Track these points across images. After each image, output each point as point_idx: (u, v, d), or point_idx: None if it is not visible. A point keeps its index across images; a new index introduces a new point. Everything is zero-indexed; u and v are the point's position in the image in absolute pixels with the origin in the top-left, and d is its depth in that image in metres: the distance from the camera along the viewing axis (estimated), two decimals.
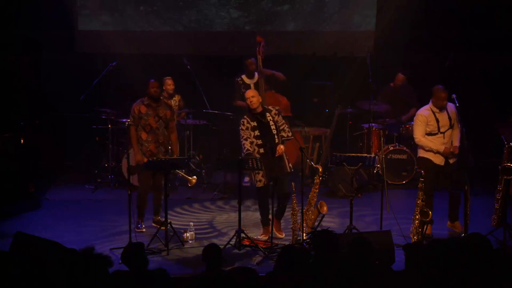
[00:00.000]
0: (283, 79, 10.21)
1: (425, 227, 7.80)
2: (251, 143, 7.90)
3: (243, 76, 10.38)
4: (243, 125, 7.96)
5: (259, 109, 7.98)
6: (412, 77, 10.99)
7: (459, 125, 8.08)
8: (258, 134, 7.92)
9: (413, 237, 7.80)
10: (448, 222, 8.30)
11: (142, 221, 8.44)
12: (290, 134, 8.03)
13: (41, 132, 10.77)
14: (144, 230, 8.37)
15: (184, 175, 8.73)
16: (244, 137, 7.95)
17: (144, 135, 8.35)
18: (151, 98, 8.39)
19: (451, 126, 8.05)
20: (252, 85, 10.31)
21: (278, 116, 8.03)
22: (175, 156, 8.39)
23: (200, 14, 11.85)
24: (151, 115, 8.33)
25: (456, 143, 8.07)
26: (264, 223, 8.19)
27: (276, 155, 7.87)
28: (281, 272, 5.22)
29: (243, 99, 10.26)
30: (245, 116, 8.05)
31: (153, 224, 8.43)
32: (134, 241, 7.41)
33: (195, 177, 8.88)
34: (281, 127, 7.98)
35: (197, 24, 11.89)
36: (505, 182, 7.93)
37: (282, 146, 7.91)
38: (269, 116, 7.97)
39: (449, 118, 8.04)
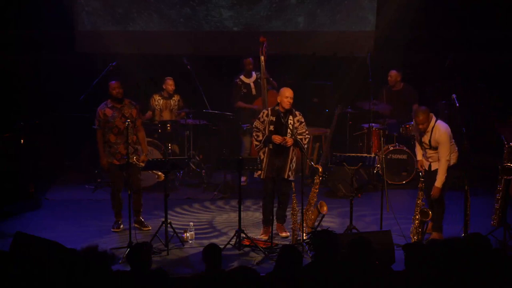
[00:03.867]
0: (275, 86, 10.23)
1: (425, 226, 7.81)
2: (263, 135, 7.94)
3: (242, 77, 10.43)
4: (261, 116, 8.03)
5: (287, 108, 7.98)
6: (412, 77, 10.99)
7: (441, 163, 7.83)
8: (272, 130, 7.93)
9: (413, 237, 7.80)
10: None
11: (120, 221, 8.46)
12: (305, 145, 7.96)
13: (41, 132, 10.75)
14: (119, 230, 8.38)
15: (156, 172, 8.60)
16: (256, 128, 8.00)
17: (112, 138, 8.31)
18: (114, 100, 8.36)
19: (431, 147, 7.89)
20: (251, 84, 10.37)
21: (300, 124, 7.99)
22: (144, 155, 8.38)
23: (200, 14, 11.85)
24: (117, 117, 8.28)
25: (437, 184, 7.84)
26: (265, 222, 8.19)
27: (278, 142, 7.84)
28: (281, 272, 5.22)
29: (244, 99, 10.35)
30: (268, 108, 8.14)
31: (135, 225, 8.37)
32: (134, 240, 7.44)
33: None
34: (299, 137, 7.92)
35: (197, 24, 11.89)
36: (505, 182, 7.93)
37: (290, 140, 7.87)
38: (290, 119, 7.95)
39: (430, 141, 7.86)
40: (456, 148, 7.99)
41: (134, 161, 8.23)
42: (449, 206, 8.32)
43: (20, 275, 5.09)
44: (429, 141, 7.86)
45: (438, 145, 7.81)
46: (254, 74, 10.37)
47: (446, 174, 7.80)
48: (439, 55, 11.26)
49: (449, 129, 7.85)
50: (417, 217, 7.78)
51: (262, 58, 9.90)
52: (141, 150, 8.50)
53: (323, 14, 11.85)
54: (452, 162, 7.91)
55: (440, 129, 7.79)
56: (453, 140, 7.96)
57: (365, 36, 11.80)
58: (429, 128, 7.83)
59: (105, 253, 5.15)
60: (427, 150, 7.97)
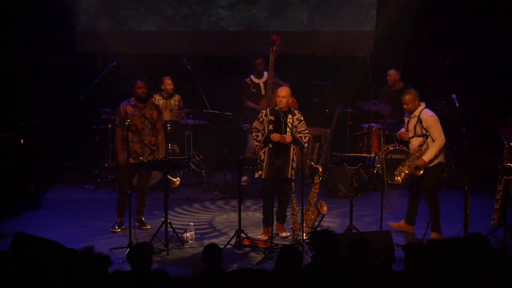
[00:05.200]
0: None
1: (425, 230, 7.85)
2: (263, 135, 7.95)
3: (252, 77, 10.44)
4: (260, 116, 8.06)
5: (284, 109, 7.99)
6: (412, 77, 10.99)
7: (433, 140, 7.90)
8: (271, 129, 7.94)
9: (397, 177, 8.05)
10: (403, 223, 8.29)
11: (120, 221, 8.43)
12: (305, 144, 7.98)
13: (41, 132, 10.75)
14: (118, 230, 8.36)
15: (169, 176, 8.64)
16: (256, 129, 8.03)
17: (129, 136, 8.32)
18: (137, 99, 8.39)
19: (415, 135, 8.00)
20: (261, 84, 10.36)
21: (300, 122, 8.01)
22: (161, 157, 8.37)
23: (200, 14, 11.86)
24: (136, 116, 8.29)
25: (425, 157, 7.92)
26: (265, 222, 8.19)
27: (277, 139, 7.85)
28: (281, 272, 5.22)
29: (253, 99, 10.35)
30: (267, 108, 8.17)
31: (136, 223, 8.37)
32: (134, 240, 7.44)
33: (178, 178, 8.74)
34: (299, 135, 7.95)
35: (197, 24, 11.89)
36: (505, 182, 7.93)
37: (289, 137, 7.88)
38: (290, 118, 7.96)
39: (415, 127, 8.00)
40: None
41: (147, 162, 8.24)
42: (449, 206, 8.33)
43: (20, 275, 5.09)
44: (415, 126, 7.95)
45: (428, 130, 7.90)
46: (265, 74, 10.35)
47: (436, 154, 7.86)
48: (439, 55, 11.26)
49: (436, 116, 7.98)
50: (407, 163, 7.98)
51: (272, 57, 9.90)
52: (158, 152, 8.47)
53: (323, 14, 11.85)
54: (439, 160, 7.95)
55: (427, 113, 7.94)
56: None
57: (365, 36, 11.81)
58: (416, 113, 7.97)
59: (101, 255, 5.15)
60: (412, 140, 8.04)
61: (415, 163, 7.89)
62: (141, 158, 8.27)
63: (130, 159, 8.20)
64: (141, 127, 8.30)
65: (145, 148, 8.35)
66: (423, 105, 8.01)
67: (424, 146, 7.89)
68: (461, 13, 11.37)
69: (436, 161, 7.93)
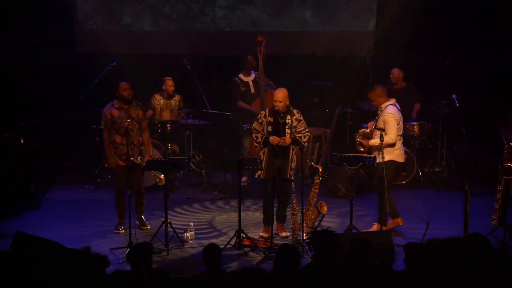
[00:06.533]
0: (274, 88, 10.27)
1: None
2: (262, 136, 7.94)
3: (240, 75, 10.44)
4: (260, 117, 8.06)
5: (283, 110, 7.98)
6: (412, 77, 10.99)
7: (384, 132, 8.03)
8: (270, 130, 7.94)
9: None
10: (391, 221, 8.32)
11: (122, 222, 8.43)
12: (305, 143, 7.98)
13: (41, 132, 10.75)
14: (122, 231, 8.37)
15: (153, 173, 8.68)
16: (255, 130, 8.02)
17: (118, 138, 8.30)
18: (122, 101, 8.36)
19: (376, 128, 8.15)
20: (250, 82, 10.37)
21: (299, 122, 8.01)
22: (148, 156, 8.37)
23: (200, 14, 11.85)
24: (124, 118, 8.25)
25: (371, 141, 8.13)
26: (265, 222, 8.19)
27: (275, 143, 7.84)
28: (280, 272, 5.22)
29: (243, 98, 10.35)
30: (266, 109, 8.17)
31: (137, 222, 8.40)
32: (134, 240, 7.44)
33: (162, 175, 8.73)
34: (298, 135, 7.95)
35: (197, 24, 11.89)
36: (505, 182, 7.93)
37: (288, 139, 7.88)
38: (289, 119, 7.96)
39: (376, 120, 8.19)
40: (401, 144, 8.15)
41: (138, 162, 8.24)
42: (449, 206, 8.33)
43: (20, 275, 5.09)
44: (376, 120, 8.13)
45: (384, 124, 8.02)
46: (253, 73, 10.38)
47: (381, 145, 7.86)
48: (439, 55, 11.25)
49: (397, 114, 8.05)
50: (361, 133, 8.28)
51: (260, 57, 9.91)
52: (145, 151, 8.48)
53: (323, 14, 11.84)
54: (390, 157, 8.00)
55: (388, 109, 8.07)
56: (401, 137, 8.16)
57: (365, 36, 11.80)
58: (383, 107, 8.12)
59: (98, 255, 5.15)
60: (373, 135, 8.18)
61: (362, 137, 8.14)
62: (131, 158, 8.23)
63: (120, 161, 8.22)
64: (129, 128, 8.24)
65: (134, 149, 8.33)
66: (391, 101, 8.14)
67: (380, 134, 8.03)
68: (461, 13, 11.36)
69: (386, 157, 7.93)
